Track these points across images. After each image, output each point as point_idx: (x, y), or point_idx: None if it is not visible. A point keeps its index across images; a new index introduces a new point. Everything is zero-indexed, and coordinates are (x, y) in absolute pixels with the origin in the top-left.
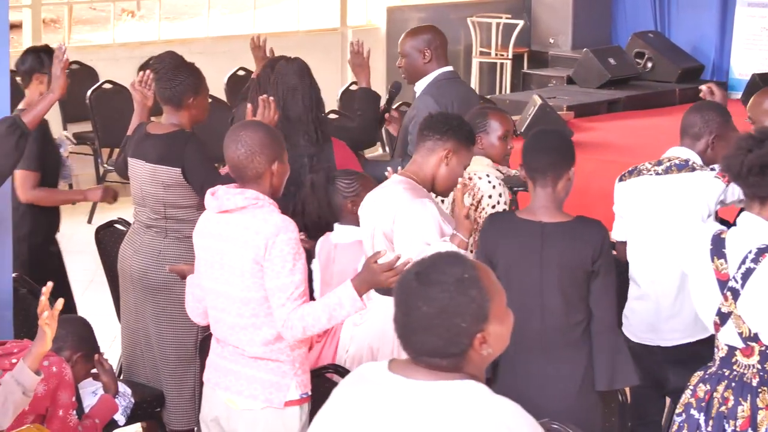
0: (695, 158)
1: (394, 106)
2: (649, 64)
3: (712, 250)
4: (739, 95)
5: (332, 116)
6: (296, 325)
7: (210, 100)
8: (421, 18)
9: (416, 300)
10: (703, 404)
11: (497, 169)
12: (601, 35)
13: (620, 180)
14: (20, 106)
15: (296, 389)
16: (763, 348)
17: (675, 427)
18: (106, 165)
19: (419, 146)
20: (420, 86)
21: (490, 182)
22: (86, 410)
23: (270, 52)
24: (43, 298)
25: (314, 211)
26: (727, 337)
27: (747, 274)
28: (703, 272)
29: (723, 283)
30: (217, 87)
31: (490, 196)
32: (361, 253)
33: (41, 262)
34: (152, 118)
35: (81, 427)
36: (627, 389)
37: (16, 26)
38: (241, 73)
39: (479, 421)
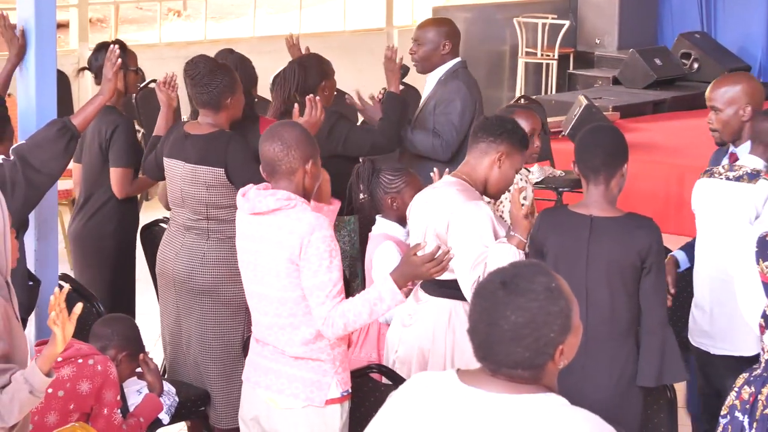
0: (763, 167)
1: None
2: (695, 65)
3: (758, 252)
4: None
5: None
6: (337, 322)
7: (256, 100)
8: (467, 18)
9: (504, 309)
10: (747, 406)
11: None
12: (647, 36)
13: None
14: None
15: (337, 387)
16: None
17: (720, 429)
18: None
19: (472, 147)
20: (435, 75)
21: (526, 181)
22: (131, 409)
23: (306, 50)
24: (52, 298)
25: (359, 201)
26: None
27: None
28: (750, 275)
29: None
30: (262, 86)
31: (524, 198)
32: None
33: (126, 258)
34: (183, 117)
35: (125, 426)
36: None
37: (63, 26)
38: None
39: None
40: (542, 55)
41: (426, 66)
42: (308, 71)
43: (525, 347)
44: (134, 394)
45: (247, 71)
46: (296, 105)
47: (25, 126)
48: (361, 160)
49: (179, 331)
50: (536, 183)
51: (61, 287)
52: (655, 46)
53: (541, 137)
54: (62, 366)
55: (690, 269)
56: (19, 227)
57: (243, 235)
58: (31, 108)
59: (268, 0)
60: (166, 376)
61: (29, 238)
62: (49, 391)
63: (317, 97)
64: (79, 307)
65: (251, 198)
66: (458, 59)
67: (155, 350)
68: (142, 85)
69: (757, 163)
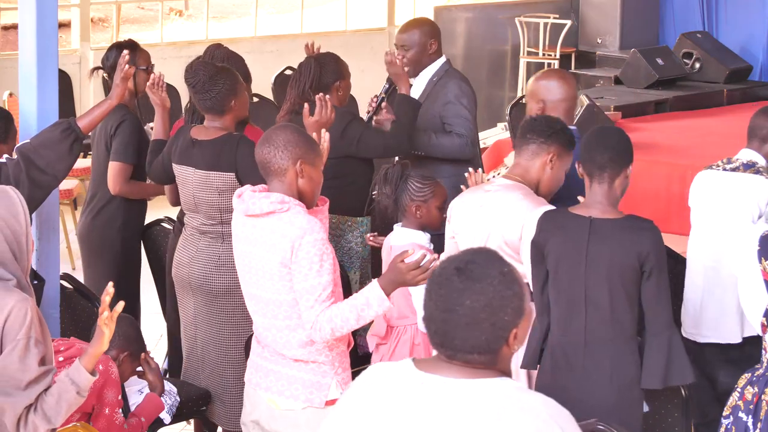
0: (761, 161)
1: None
2: (697, 65)
3: (760, 251)
4: None
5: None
6: (324, 327)
7: (257, 100)
8: (469, 17)
9: (460, 295)
10: (751, 407)
11: None
12: (648, 35)
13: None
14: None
15: (337, 388)
16: None
17: (722, 430)
18: None
19: (522, 149)
20: (425, 76)
21: None
22: (132, 408)
23: None
24: (107, 298)
25: (383, 203)
26: None
27: None
28: (752, 273)
29: None
30: (264, 86)
31: None
32: None
33: (131, 256)
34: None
35: (127, 426)
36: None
37: (64, 25)
38: (289, 72)
39: (523, 416)
40: (544, 54)
41: (417, 69)
42: (324, 68)
43: (482, 331)
44: (135, 393)
45: (237, 68)
46: (306, 104)
47: (26, 126)
48: (394, 161)
49: (196, 336)
50: None
51: (62, 287)
52: (657, 45)
53: None
54: (63, 365)
55: (681, 268)
56: None
57: (238, 237)
58: (32, 108)
59: (269, 0)
60: (167, 376)
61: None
62: None
63: (328, 96)
64: (120, 306)
65: (246, 200)
66: (443, 57)
67: (157, 350)
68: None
69: (753, 156)
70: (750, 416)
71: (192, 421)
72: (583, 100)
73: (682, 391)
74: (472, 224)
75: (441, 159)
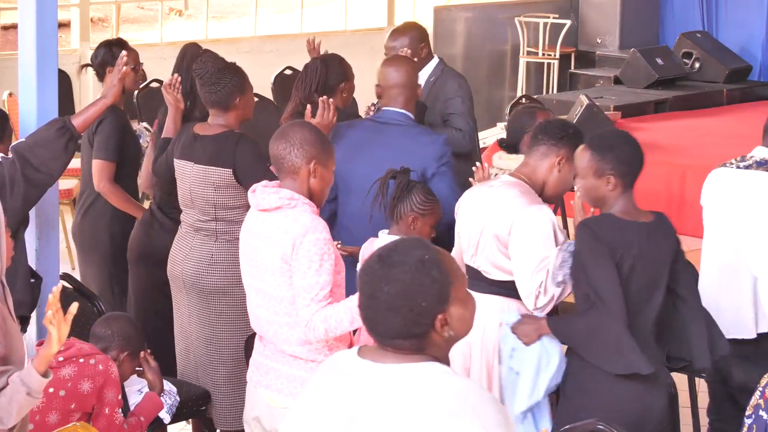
0: None
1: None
2: (697, 65)
3: None
4: None
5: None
6: (319, 326)
7: (257, 99)
8: (468, 17)
9: (379, 282)
10: None
11: None
12: (648, 35)
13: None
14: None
15: None
16: None
17: (744, 429)
18: None
19: (532, 150)
20: (422, 77)
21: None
22: (132, 408)
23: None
24: (50, 297)
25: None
26: None
27: None
28: None
29: None
30: (264, 86)
31: None
32: None
33: (123, 251)
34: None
35: (126, 425)
36: (696, 381)
37: (64, 25)
38: (288, 72)
39: (445, 401)
40: (543, 54)
41: None
42: (330, 70)
43: (401, 316)
44: (135, 393)
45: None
46: (309, 106)
47: (26, 126)
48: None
49: (190, 333)
50: None
51: (62, 287)
52: (657, 45)
53: None
54: (63, 365)
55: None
56: (20, 225)
57: (246, 229)
58: (32, 107)
59: (269, 0)
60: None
61: (30, 237)
62: (50, 390)
63: (331, 99)
64: (74, 307)
65: (257, 194)
66: (436, 58)
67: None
68: (143, 85)
69: (766, 153)
70: None
71: (191, 420)
72: (583, 100)
73: (669, 389)
74: (471, 219)
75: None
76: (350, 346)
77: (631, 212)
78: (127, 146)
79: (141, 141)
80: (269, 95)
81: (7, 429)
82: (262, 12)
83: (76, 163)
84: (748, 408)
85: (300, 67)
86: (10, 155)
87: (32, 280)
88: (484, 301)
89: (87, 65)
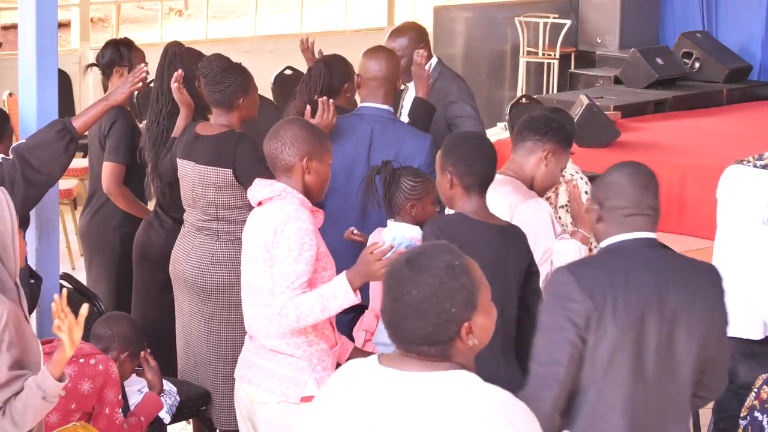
0: None
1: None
2: (697, 65)
3: None
4: None
5: None
6: (291, 313)
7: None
8: (468, 17)
9: (406, 285)
10: (766, 406)
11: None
12: (648, 35)
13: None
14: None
15: (314, 385)
16: None
17: (740, 430)
18: None
19: (518, 146)
20: None
21: (582, 178)
22: (132, 408)
23: (319, 54)
24: (53, 306)
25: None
26: None
27: None
28: None
29: None
30: (264, 86)
31: (586, 192)
32: None
33: (130, 253)
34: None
35: (126, 425)
36: None
37: (64, 25)
38: (288, 72)
39: (478, 410)
40: (543, 54)
41: (409, 75)
42: (334, 72)
43: (427, 322)
44: (135, 393)
45: (195, 64)
46: (308, 106)
47: (26, 126)
48: (382, 163)
49: (191, 332)
50: None
51: (62, 287)
52: (657, 45)
53: None
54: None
55: None
56: (20, 225)
57: (246, 226)
58: (32, 108)
59: (269, 0)
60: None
61: (30, 237)
62: None
63: (331, 101)
64: (85, 309)
65: (253, 188)
66: (435, 58)
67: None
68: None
69: None
70: (765, 415)
71: (191, 420)
72: (583, 100)
73: None
74: None
75: None
76: (333, 345)
77: (482, 214)
78: (137, 148)
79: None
80: (269, 95)
81: None
82: (262, 12)
83: (76, 163)
84: (743, 409)
85: (300, 67)
86: (11, 156)
87: (32, 281)
88: None
89: (92, 65)
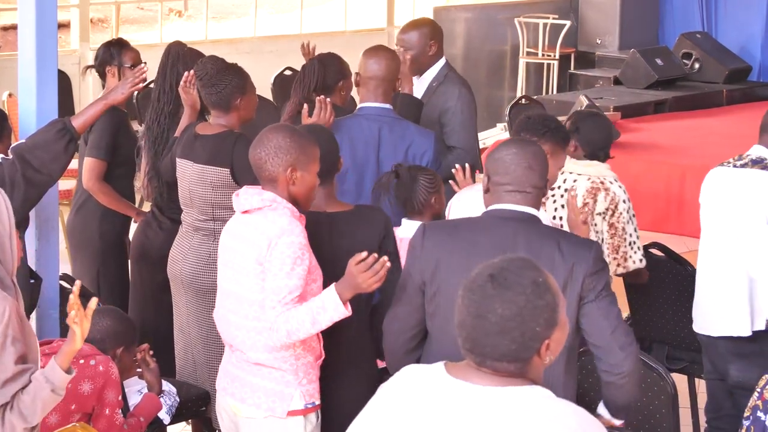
0: None
1: None
2: (697, 65)
3: None
4: None
5: None
6: (281, 327)
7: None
8: (468, 18)
9: (491, 302)
10: None
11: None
12: (648, 36)
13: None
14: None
15: (300, 399)
16: None
17: (743, 431)
18: None
19: None
20: (426, 79)
21: (620, 187)
22: (131, 409)
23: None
24: (72, 297)
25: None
26: None
27: None
28: None
29: None
30: (263, 87)
31: (624, 201)
32: None
33: (114, 248)
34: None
35: (126, 426)
36: (696, 382)
37: (64, 26)
38: (288, 72)
39: (556, 427)
40: (543, 55)
41: (418, 69)
42: (328, 69)
43: (511, 340)
44: (135, 394)
45: (193, 63)
46: (306, 105)
47: (25, 126)
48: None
49: (190, 333)
50: None
51: (62, 288)
52: (657, 46)
53: None
54: None
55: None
56: (19, 225)
57: (227, 231)
58: (31, 108)
59: (269, 0)
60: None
61: (30, 237)
62: None
63: (328, 99)
64: (94, 302)
65: (241, 196)
66: (443, 60)
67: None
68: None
69: (763, 152)
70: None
71: (191, 421)
72: (583, 101)
73: (668, 389)
74: None
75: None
76: (318, 357)
77: (320, 205)
78: (121, 146)
79: (142, 142)
80: (269, 95)
81: (30, 428)
82: (261, 12)
83: (76, 163)
84: (746, 409)
85: (300, 68)
86: (10, 156)
87: (32, 281)
88: None
89: (90, 67)
